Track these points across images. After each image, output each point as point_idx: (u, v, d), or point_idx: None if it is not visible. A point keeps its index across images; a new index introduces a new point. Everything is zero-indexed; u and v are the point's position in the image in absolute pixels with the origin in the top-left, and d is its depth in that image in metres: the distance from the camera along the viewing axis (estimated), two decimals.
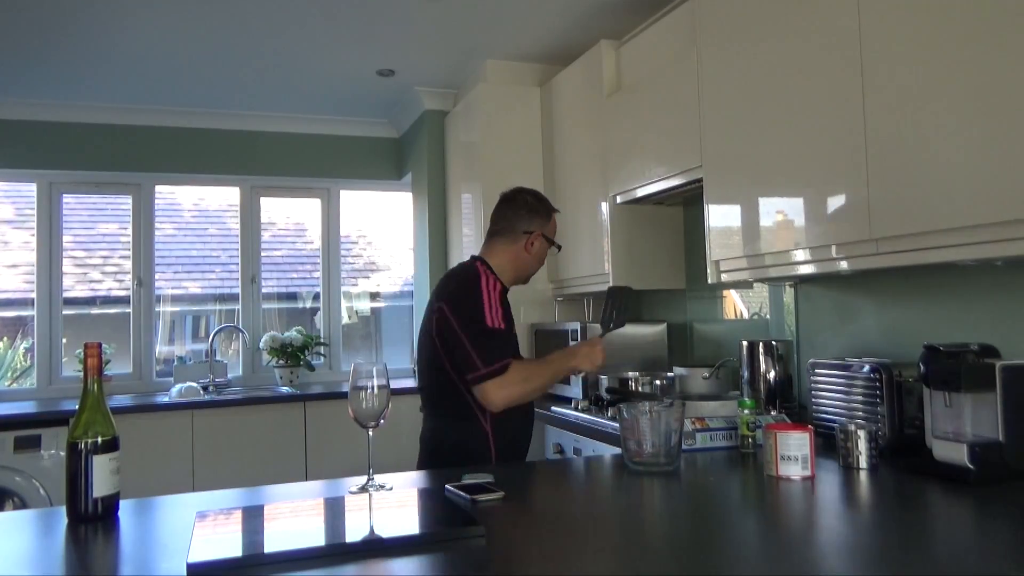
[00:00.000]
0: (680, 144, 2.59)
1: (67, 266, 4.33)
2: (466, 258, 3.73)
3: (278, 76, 3.86)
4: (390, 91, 4.15)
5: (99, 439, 1.40)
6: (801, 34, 2.03)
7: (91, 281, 4.47)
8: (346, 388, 1.61)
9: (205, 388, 4.14)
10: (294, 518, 1.42)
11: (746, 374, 2.50)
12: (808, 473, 1.62)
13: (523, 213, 2.16)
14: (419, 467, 2.08)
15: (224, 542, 1.26)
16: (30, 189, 4.26)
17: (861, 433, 1.70)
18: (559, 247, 2.26)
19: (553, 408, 2.95)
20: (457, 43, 3.52)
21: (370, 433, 1.58)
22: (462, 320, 1.94)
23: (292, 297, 4.91)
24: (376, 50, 3.56)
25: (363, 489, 1.58)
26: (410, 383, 4.37)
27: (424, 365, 2.08)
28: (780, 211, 2.14)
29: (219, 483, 2.18)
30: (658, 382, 2.88)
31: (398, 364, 4.74)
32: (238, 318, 4.59)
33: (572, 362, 2.03)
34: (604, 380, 2.96)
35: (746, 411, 1.93)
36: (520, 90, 3.68)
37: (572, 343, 3.02)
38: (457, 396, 1.97)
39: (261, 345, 4.44)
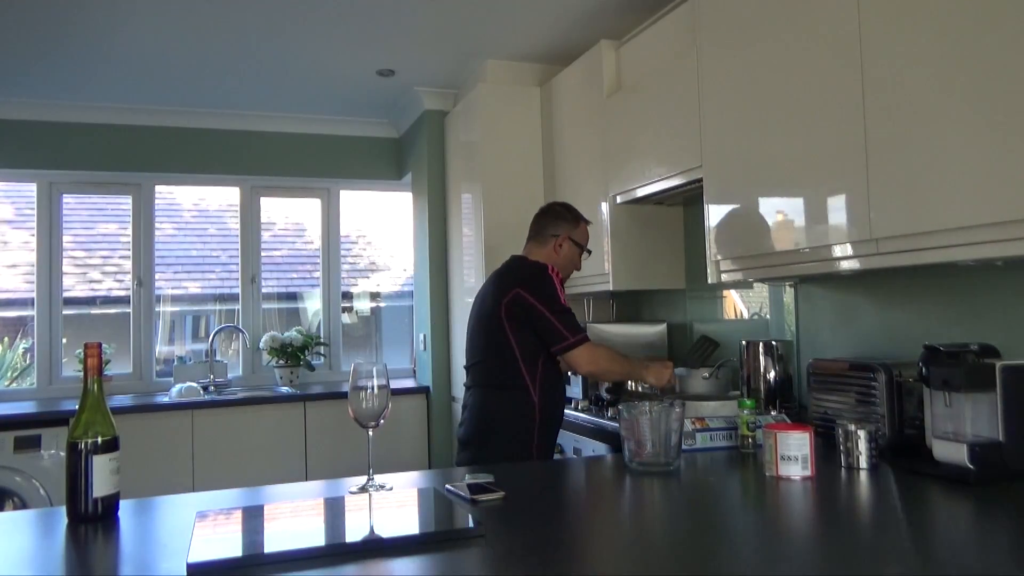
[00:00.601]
0: (680, 144, 2.59)
1: (67, 266, 4.33)
2: (468, 258, 3.77)
3: (278, 76, 3.86)
4: (390, 91, 4.15)
5: (99, 439, 1.40)
6: (801, 34, 2.03)
7: (91, 281, 4.47)
8: (346, 388, 1.61)
9: (205, 388, 4.14)
10: (294, 518, 1.42)
11: (746, 374, 2.50)
12: (808, 473, 1.62)
13: (551, 220, 2.48)
14: (464, 435, 2.35)
15: (224, 542, 1.26)
16: (30, 189, 4.26)
17: (861, 433, 1.70)
18: (588, 252, 2.55)
19: None
20: (457, 43, 3.52)
21: (370, 433, 1.58)
22: (543, 301, 2.25)
23: (292, 297, 4.92)
24: (376, 50, 3.56)
25: (363, 489, 1.58)
26: (410, 383, 4.38)
27: (481, 344, 2.37)
28: (780, 211, 2.14)
29: (219, 483, 2.18)
30: None
31: (398, 364, 4.74)
32: (238, 318, 4.59)
33: (643, 372, 2.33)
34: None
35: (746, 411, 1.93)
36: (520, 90, 3.68)
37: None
38: (515, 370, 2.27)
39: (261, 345, 4.44)
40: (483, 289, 2.47)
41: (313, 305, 4.85)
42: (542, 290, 2.27)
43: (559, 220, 2.48)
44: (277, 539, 1.27)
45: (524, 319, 2.25)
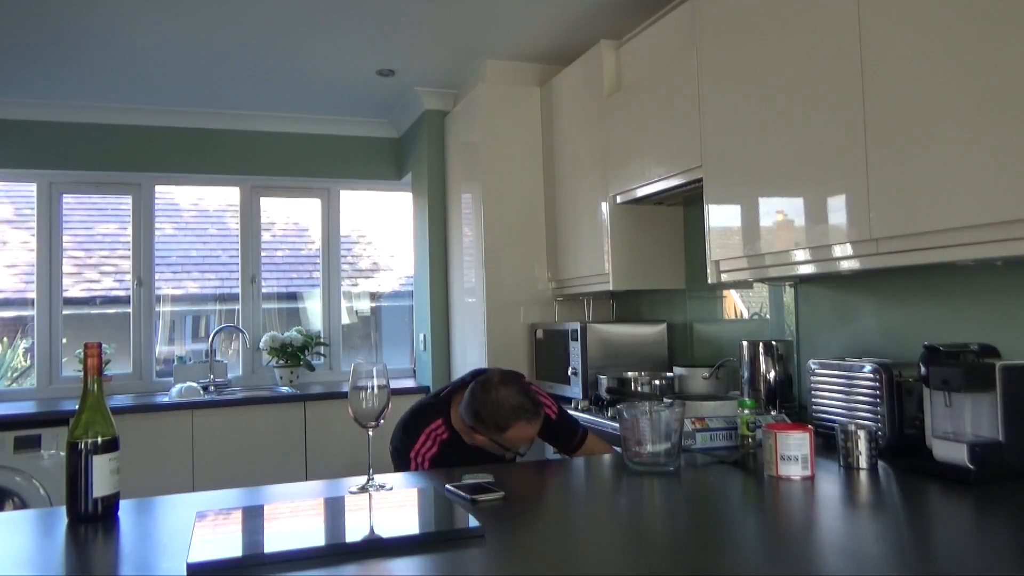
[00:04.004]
0: (680, 144, 2.59)
1: (67, 266, 4.33)
2: (468, 258, 3.76)
3: (278, 76, 3.86)
4: (390, 91, 4.15)
5: (99, 439, 1.40)
6: (801, 34, 2.03)
7: (90, 281, 4.47)
8: (346, 388, 1.61)
9: (205, 388, 4.14)
10: (294, 518, 1.42)
11: (746, 374, 2.50)
12: (808, 473, 1.62)
13: (471, 412, 1.96)
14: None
15: (224, 542, 1.26)
16: (30, 189, 4.26)
17: (861, 433, 1.70)
18: (521, 454, 2.02)
19: None
20: (457, 43, 3.52)
21: (370, 433, 1.58)
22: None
23: (292, 297, 4.91)
24: (376, 50, 3.56)
25: (363, 489, 1.58)
26: (410, 383, 4.38)
27: None
28: (780, 211, 2.14)
29: (219, 483, 2.18)
30: (658, 382, 2.88)
31: (398, 364, 4.74)
32: (238, 318, 4.59)
33: None
34: (604, 380, 2.96)
35: (746, 411, 1.93)
36: (520, 90, 3.68)
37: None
38: None
39: (261, 345, 4.44)
40: None
41: (313, 305, 4.85)
42: (396, 462, 2.06)
43: (478, 423, 1.94)
44: (277, 539, 1.27)
45: None
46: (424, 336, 4.26)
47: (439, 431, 2.05)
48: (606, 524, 1.41)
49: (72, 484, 1.38)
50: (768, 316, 2.77)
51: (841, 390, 2.00)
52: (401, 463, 2.07)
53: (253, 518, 1.40)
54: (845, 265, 1.94)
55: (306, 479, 3.78)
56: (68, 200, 4.37)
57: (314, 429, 3.96)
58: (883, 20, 1.77)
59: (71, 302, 4.33)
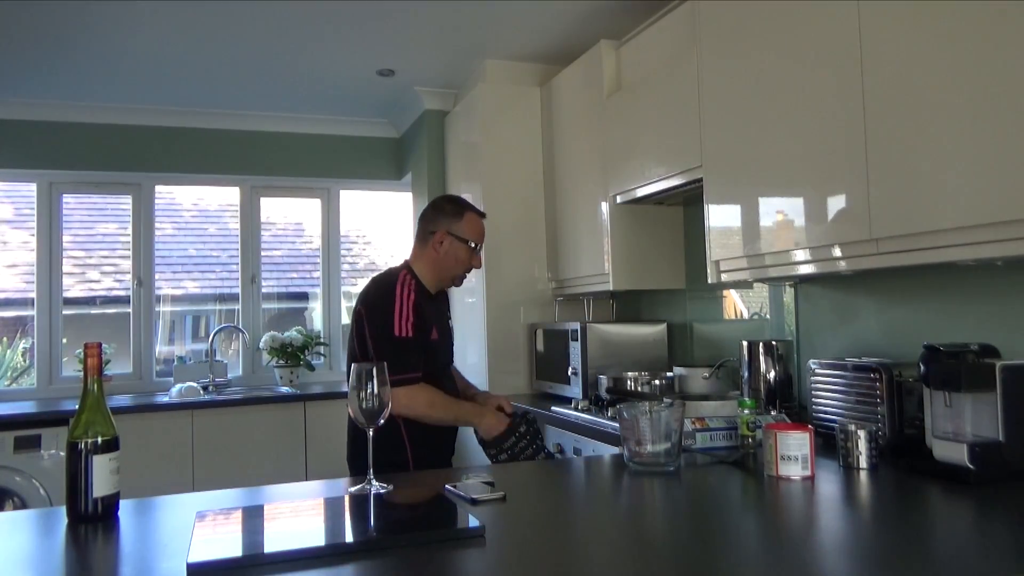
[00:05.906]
0: (680, 144, 2.59)
1: (67, 266, 4.33)
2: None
3: (278, 76, 3.86)
4: (390, 91, 4.15)
5: (99, 439, 1.39)
6: (801, 34, 2.03)
7: (90, 281, 4.47)
8: (346, 388, 1.61)
9: (205, 388, 4.15)
10: (294, 518, 1.42)
11: (746, 374, 2.50)
12: (808, 473, 1.62)
13: (430, 215, 2.25)
14: (348, 459, 2.17)
15: (224, 542, 1.26)
16: (30, 189, 4.26)
17: (861, 433, 1.70)
18: (476, 245, 2.25)
19: (553, 408, 2.95)
20: (457, 43, 3.52)
21: (370, 433, 1.58)
22: (372, 326, 2.07)
23: (292, 297, 4.91)
24: (376, 50, 3.56)
25: (363, 489, 1.57)
26: None
27: (348, 356, 2.18)
28: (780, 211, 2.14)
29: (219, 483, 2.18)
30: (658, 382, 2.88)
31: None
32: (238, 318, 4.59)
33: (475, 420, 2.13)
34: (604, 380, 2.96)
35: (746, 411, 1.93)
36: (520, 90, 3.68)
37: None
38: None
39: (261, 345, 4.44)
40: None
41: (313, 305, 4.85)
42: (376, 315, 2.07)
43: (439, 214, 2.22)
44: (277, 539, 1.27)
45: (362, 341, 2.08)
46: None
47: (407, 279, 2.13)
48: (606, 524, 1.41)
49: (72, 484, 1.38)
50: (768, 316, 2.77)
51: (841, 390, 2.00)
52: (380, 305, 2.08)
53: (253, 518, 1.40)
54: (845, 265, 1.94)
55: (306, 479, 3.78)
56: (68, 200, 4.37)
57: (314, 429, 3.96)
58: (883, 20, 1.77)
59: (71, 302, 4.33)
